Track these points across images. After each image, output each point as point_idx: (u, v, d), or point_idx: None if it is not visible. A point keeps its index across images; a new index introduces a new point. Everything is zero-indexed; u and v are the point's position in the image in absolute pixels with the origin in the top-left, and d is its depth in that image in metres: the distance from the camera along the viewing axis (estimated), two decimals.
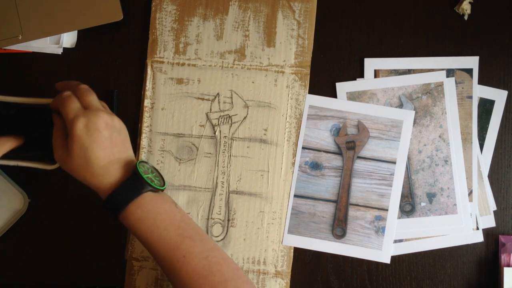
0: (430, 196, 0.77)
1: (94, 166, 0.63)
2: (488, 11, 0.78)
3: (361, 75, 0.78)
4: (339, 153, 0.77)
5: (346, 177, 0.77)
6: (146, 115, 0.77)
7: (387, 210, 0.76)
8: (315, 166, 0.77)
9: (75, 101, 0.65)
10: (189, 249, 0.62)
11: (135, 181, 0.63)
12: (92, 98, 0.67)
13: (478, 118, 0.77)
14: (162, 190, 0.66)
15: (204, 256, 0.62)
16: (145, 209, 0.63)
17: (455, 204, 0.76)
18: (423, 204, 0.77)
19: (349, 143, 0.77)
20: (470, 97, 0.77)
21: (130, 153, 0.67)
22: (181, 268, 0.61)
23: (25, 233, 0.77)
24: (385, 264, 0.77)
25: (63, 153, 0.64)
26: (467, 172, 0.77)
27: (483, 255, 0.77)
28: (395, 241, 0.77)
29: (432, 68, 0.78)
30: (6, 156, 0.74)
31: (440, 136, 0.77)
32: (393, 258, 0.77)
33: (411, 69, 0.78)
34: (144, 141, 0.77)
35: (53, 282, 0.77)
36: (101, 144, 0.63)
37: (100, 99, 0.78)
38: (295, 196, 0.77)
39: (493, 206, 0.77)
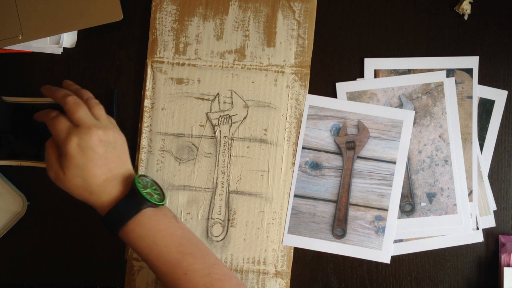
0: (430, 196, 0.77)
1: (91, 185, 0.62)
2: (488, 11, 0.78)
3: (361, 75, 0.78)
4: (339, 153, 0.77)
5: (346, 177, 0.77)
6: (146, 115, 0.77)
7: (387, 210, 0.76)
8: (315, 166, 0.77)
9: (64, 120, 0.63)
10: (191, 266, 0.61)
11: (133, 197, 0.62)
12: (102, 113, 0.65)
13: (478, 118, 0.77)
14: (162, 205, 0.65)
15: (206, 273, 0.61)
16: (145, 226, 0.62)
17: (455, 204, 0.76)
18: (423, 204, 0.77)
19: (349, 143, 0.77)
20: (470, 97, 0.77)
21: (128, 167, 0.66)
22: (182, 285, 0.60)
23: (25, 235, 0.77)
24: (385, 264, 0.77)
25: (58, 172, 0.62)
26: (467, 172, 0.77)
27: (483, 255, 0.77)
28: (395, 241, 0.77)
29: (432, 68, 0.78)
30: (7, 157, 0.74)
31: (440, 136, 0.77)
32: (393, 258, 0.77)
33: (411, 69, 0.78)
34: (144, 141, 0.77)
35: (53, 283, 0.77)
36: (96, 162, 0.62)
37: (100, 99, 0.78)
38: (295, 196, 0.77)
39: (493, 206, 0.77)
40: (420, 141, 0.77)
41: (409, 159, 0.77)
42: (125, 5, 0.77)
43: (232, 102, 0.77)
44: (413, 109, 0.77)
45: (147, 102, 0.78)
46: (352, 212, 0.77)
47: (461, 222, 0.76)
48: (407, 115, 0.77)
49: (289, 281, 0.76)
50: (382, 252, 0.76)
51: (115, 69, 0.79)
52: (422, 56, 0.78)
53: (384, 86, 0.78)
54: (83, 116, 0.63)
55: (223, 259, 0.76)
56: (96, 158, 0.62)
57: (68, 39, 0.78)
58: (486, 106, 0.78)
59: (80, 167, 0.61)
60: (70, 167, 0.61)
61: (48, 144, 0.64)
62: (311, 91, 0.78)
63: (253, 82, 0.77)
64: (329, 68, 0.78)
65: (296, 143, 0.77)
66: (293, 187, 0.77)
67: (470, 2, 0.77)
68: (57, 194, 0.77)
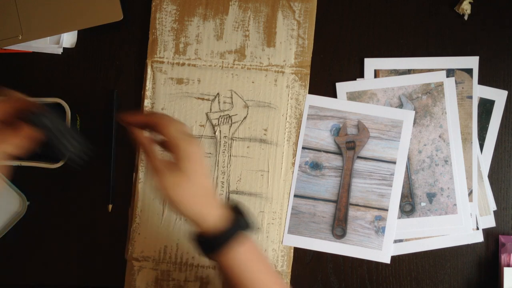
0: (430, 196, 0.77)
1: (209, 195, 0.58)
2: (488, 11, 0.78)
3: (361, 75, 0.78)
4: (339, 153, 0.77)
5: (346, 177, 0.77)
6: None
7: (387, 210, 0.76)
8: (315, 166, 0.77)
9: (178, 125, 0.58)
10: None
11: (242, 220, 0.59)
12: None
13: (478, 118, 0.77)
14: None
15: None
16: (246, 251, 0.58)
17: (455, 204, 0.76)
18: (423, 204, 0.77)
19: (349, 143, 0.77)
20: (470, 97, 0.77)
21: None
22: None
23: (25, 235, 0.77)
24: (385, 264, 0.77)
25: (177, 178, 0.56)
26: (467, 172, 0.77)
27: (483, 255, 0.77)
28: (395, 241, 0.77)
29: (432, 68, 0.78)
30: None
31: (440, 136, 0.77)
32: (393, 258, 0.77)
33: (411, 69, 0.78)
34: None
35: (53, 283, 0.77)
36: (208, 172, 0.59)
37: (100, 99, 0.78)
38: (295, 196, 0.77)
39: (493, 206, 0.77)
40: (420, 141, 0.77)
41: (409, 159, 0.77)
42: (125, 5, 0.77)
43: (232, 102, 0.77)
44: (413, 109, 0.77)
45: (147, 102, 0.78)
46: (352, 212, 0.77)
47: (461, 222, 0.76)
48: (407, 115, 0.77)
49: (289, 281, 0.76)
50: (382, 252, 0.76)
51: (115, 69, 0.79)
52: (422, 56, 0.78)
53: (384, 86, 0.78)
54: (186, 130, 0.59)
55: None
56: (207, 169, 0.59)
57: (68, 39, 0.78)
58: (486, 106, 0.78)
59: (204, 172, 0.57)
60: (196, 171, 0.56)
61: (147, 151, 0.59)
62: (311, 91, 0.78)
63: (253, 82, 0.77)
64: (329, 68, 0.78)
65: (296, 143, 0.77)
66: (293, 187, 0.77)
67: (470, 2, 0.77)
68: (57, 194, 0.77)
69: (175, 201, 0.56)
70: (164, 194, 0.56)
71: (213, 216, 0.57)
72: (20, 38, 0.76)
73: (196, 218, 0.57)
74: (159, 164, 0.57)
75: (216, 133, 0.77)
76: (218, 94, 0.78)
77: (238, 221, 0.59)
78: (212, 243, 0.57)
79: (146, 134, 0.59)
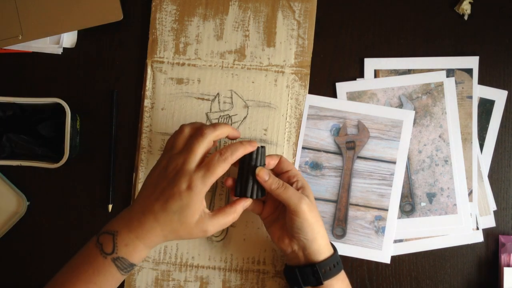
0: (430, 196, 0.77)
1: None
2: (488, 11, 0.78)
3: (361, 75, 0.78)
4: (339, 153, 0.77)
5: (346, 177, 0.77)
6: (146, 115, 0.77)
7: (387, 210, 0.76)
8: (315, 166, 0.77)
9: None
10: None
11: (338, 257, 0.68)
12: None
13: (478, 118, 0.77)
14: None
15: None
16: (344, 279, 0.67)
17: (455, 204, 0.76)
18: (423, 204, 0.77)
19: (349, 143, 0.77)
20: (470, 97, 0.77)
21: None
22: None
23: (24, 235, 0.77)
24: (385, 264, 0.77)
25: (309, 203, 0.65)
26: (467, 172, 0.77)
27: (483, 255, 0.77)
28: (395, 241, 0.77)
29: (432, 68, 0.78)
30: (8, 156, 0.74)
31: (440, 136, 0.77)
32: (393, 258, 0.77)
33: (411, 69, 0.78)
34: (144, 141, 0.77)
35: None
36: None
37: (100, 99, 0.78)
38: None
39: (493, 206, 0.77)
40: (420, 141, 0.77)
41: (409, 159, 0.77)
42: (125, 5, 0.77)
43: (232, 102, 0.77)
44: (413, 109, 0.77)
45: (147, 102, 0.78)
46: (352, 212, 0.77)
47: (461, 222, 0.76)
48: (407, 115, 0.77)
49: None
50: (382, 252, 0.76)
51: (115, 69, 0.79)
52: (422, 56, 0.78)
53: (384, 86, 0.78)
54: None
55: (223, 259, 0.76)
56: None
57: (68, 39, 0.78)
58: (486, 106, 0.78)
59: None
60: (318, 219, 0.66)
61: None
62: (311, 91, 0.78)
63: (253, 82, 0.77)
64: (329, 68, 0.78)
65: (296, 143, 0.77)
66: None
67: (470, 2, 0.77)
68: (57, 194, 0.77)
69: (319, 221, 0.66)
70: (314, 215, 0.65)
71: (329, 249, 0.66)
72: (20, 38, 0.76)
73: (322, 247, 0.65)
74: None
75: None
76: (218, 94, 0.78)
77: (337, 252, 0.67)
78: (325, 272, 0.65)
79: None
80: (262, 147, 0.66)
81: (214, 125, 0.63)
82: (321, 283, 0.64)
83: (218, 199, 0.77)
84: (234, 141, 0.69)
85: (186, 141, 0.63)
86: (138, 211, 0.60)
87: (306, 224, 0.63)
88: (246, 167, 0.65)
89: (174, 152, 0.62)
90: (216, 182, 0.77)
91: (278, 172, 0.69)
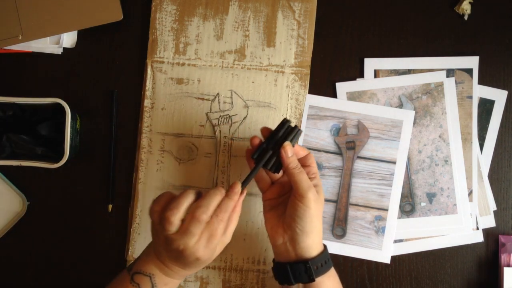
0: (430, 196, 0.77)
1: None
2: (488, 11, 0.78)
3: (361, 75, 0.78)
4: (339, 153, 0.77)
5: (346, 177, 0.77)
6: (146, 115, 0.77)
7: (387, 210, 0.76)
8: None
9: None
10: None
11: (328, 254, 0.67)
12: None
13: (478, 118, 0.77)
14: None
15: None
16: (335, 276, 0.67)
17: (455, 204, 0.76)
18: (423, 204, 0.77)
19: (349, 143, 0.77)
20: (470, 97, 0.77)
21: None
22: None
23: (25, 235, 0.77)
24: (385, 264, 0.77)
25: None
26: (467, 172, 0.77)
27: (483, 255, 0.77)
28: (395, 241, 0.77)
29: (432, 68, 0.78)
30: (8, 156, 0.74)
31: (440, 136, 0.77)
32: (393, 258, 0.77)
33: (411, 69, 0.78)
34: (144, 141, 0.77)
35: (53, 283, 0.77)
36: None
37: (100, 99, 0.78)
38: None
39: (493, 206, 0.77)
40: (420, 141, 0.77)
41: (409, 159, 0.77)
42: (125, 5, 0.77)
43: (232, 102, 0.77)
44: (413, 109, 0.77)
45: (147, 102, 0.78)
46: (352, 212, 0.77)
47: (461, 222, 0.76)
48: (407, 115, 0.77)
49: None
50: (382, 252, 0.76)
51: (115, 69, 0.79)
52: (422, 56, 0.78)
53: (384, 86, 0.78)
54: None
55: (223, 259, 0.76)
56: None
57: (68, 39, 0.78)
58: (486, 106, 0.78)
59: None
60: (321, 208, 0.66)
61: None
62: (311, 91, 0.78)
63: (253, 82, 0.77)
64: (329, 68, 0.78)
65: (296, 143, 0.77)
66: None
67: (470, 2, 0.77)
68: (57, 194, 0.77)
69: (320, 217, 0.65)
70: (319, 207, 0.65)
71: (320, 246, 0.66)
72: (20, 38, 0.76)
73: (315, 244, 0.65)
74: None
75: (216, 133, 0.77)
76: (218, 94, 0.78)
77: (327, 249, 0.67)
78: (317, 269, 0.64)
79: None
80: (300, 130, 0.66)
81: (176, 204, 0.61)
82: (313, 280, 0.64)
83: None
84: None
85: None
86: (166, 260, 0.63)
87: (308, 213, 0.63)
88: (276, 138, 0.65)
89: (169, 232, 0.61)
90: (216, 182, 0.77)
91: (301, 164, 0.68)
